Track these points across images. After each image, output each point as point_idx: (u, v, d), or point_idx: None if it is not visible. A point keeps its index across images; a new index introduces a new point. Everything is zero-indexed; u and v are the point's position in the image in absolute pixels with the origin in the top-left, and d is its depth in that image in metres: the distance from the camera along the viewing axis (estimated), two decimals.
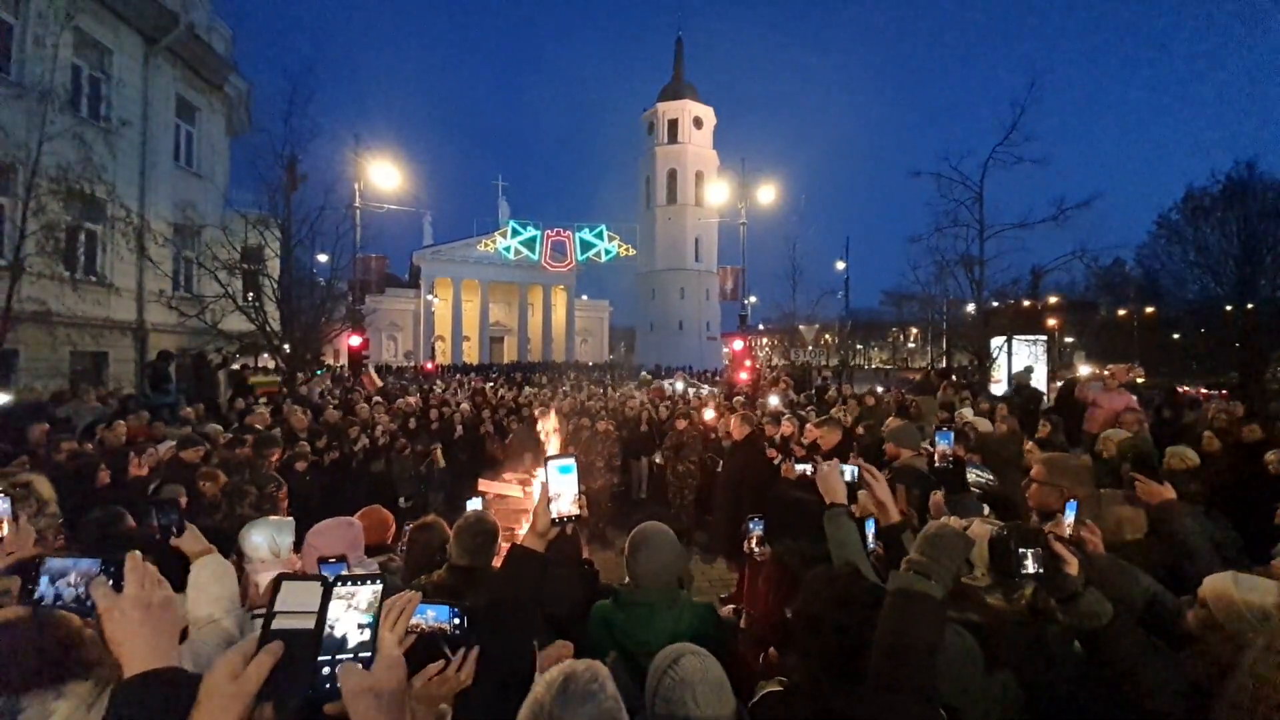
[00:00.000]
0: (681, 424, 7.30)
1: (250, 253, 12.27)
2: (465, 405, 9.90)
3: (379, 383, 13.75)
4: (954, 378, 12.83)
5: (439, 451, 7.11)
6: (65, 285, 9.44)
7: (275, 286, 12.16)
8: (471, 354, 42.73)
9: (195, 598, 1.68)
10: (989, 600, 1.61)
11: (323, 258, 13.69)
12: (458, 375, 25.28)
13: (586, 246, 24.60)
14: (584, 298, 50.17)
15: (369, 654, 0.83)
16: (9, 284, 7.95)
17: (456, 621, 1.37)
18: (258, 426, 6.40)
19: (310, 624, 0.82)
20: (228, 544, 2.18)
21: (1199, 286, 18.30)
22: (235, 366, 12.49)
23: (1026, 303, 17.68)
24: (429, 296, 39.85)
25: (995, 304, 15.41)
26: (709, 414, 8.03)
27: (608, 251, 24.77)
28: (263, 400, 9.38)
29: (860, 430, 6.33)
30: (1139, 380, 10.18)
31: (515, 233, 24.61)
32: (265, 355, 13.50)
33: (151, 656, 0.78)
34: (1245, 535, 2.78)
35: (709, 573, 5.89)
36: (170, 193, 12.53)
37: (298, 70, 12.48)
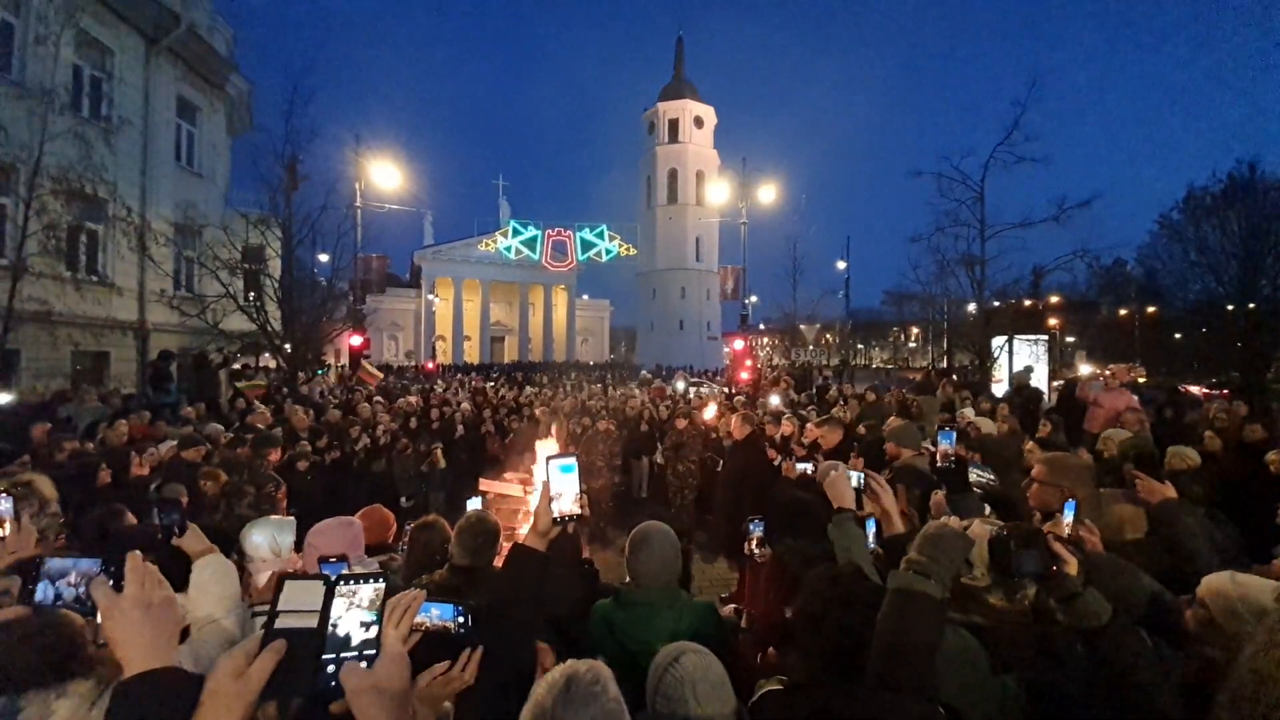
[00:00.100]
0: (682, 424, 7.31)
1: (251, 252, 12.28)
2: (466, 405, 9.92)
3: (378, 374, 13.79)
4: (954, 377, 12.82)
5: (440, 451, 7.13)
6: (67, 285, 9.46)
7: (276, 286, 12.17)
8: (472, 354, 42.77)
9: (197, 597, 1.68)
10: (991, 600, 1.61)
11: (324, 257, 13.71)
12: (458, 375, 25.31)
13: (587, 246, 24.59)
14: (585, 297, 50.20)
15: (373, 652, 0.83)
16: (11, 284, 7.97)
17: (461, 620, 1.37)
18: (259, 426, 6.41)
19: (313, 623, 0.82)
20: (227, 543, 2.18)
21: (1200, 286, 18.23)
22: (236, 366, 12.51)
23: (1028, 302, 17.64)
24: (430, 296, 39.87)
25: (996, 304, 15.37)
26: (709, 413, 8.03)
27: (608, 251, 24.75)
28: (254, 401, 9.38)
29: (861, 430, 6.33)
30: (1140, 380, 10.17)
31: (516, 232, 24.60)
32: (266, 355, 13.52)
33: (151, 656, 0.78)
34: (1246, 535, 2.77)
35: (709, 573, 5.88)
36: (171, 192, 12.53)
37: (298, 70, 12.54)
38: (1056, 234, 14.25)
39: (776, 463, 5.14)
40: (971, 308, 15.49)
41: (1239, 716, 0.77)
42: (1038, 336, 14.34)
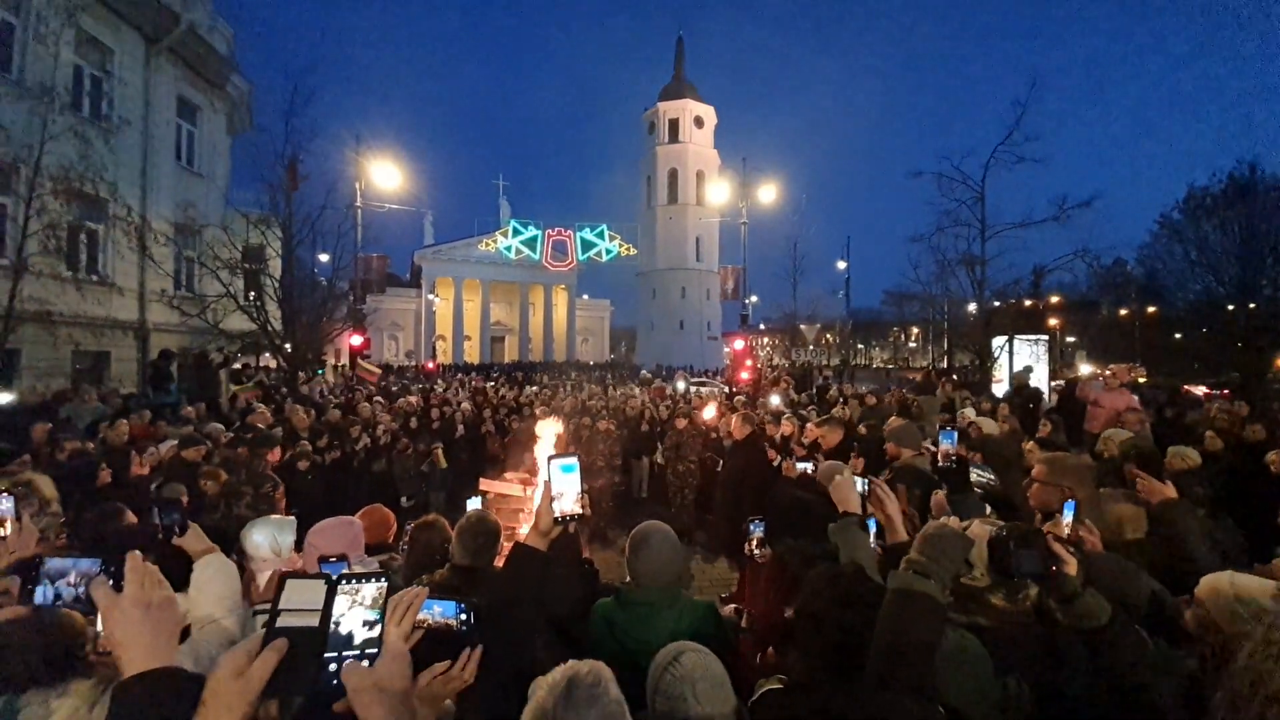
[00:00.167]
0: (681, 423, 7.30)
1: (251, 252, 12.29)
2: (466, 405, 9.92)
3: (376, 371, 13.83)
4: (954, 377, 12.82)
5: (440, 451, 7.12)
6: (67, 285, 9.45)
7: (276, 286, 12.19)
8: (472, 353, 42.77)
9: (197, 597, 1.68)
10: (994, 602, 1.61)
11: (324, 257, 13.74)
12: (459, 375, 25.31)
13: (587, 246, 24.58)
14: (585, 297, 50.19)
15: (375, 651, 0.84)
16: (11, 284, 7.97)
17: (463, 617, 1.37)
18: (259, 425, 6.41)
19: (315, 622, 0.82)
20: (227, 543, 2.18)
21: (1201, 286, 18.22)
22: (236, 366, 12.52)
23: (1028, 302, 17.65)
24: (430, 296, 39.87)
25: (997, 304, 15.39)
26: (709, 413, 8.03)
27: (609, 251, 24.74)
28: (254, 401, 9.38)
29: (862, 430, 6.33)
30: (1140, 380, 10.16)
31: (516, 232, 24.60)
32: (267, 355, 13.53)
33: (151, 656, 0.78)
34: (1247, 535, 2.77)
35: (709, 573, 5.88)
36: (172, 192, 12.54)
37: (299, 70, 12.58)
38: (1057, 234, 14.33)
39: (776, 463, 5.14)
40: (972, 308, 15.51)
41: (1237, 715, 0.77)
42: (1038, 336, 14.35)
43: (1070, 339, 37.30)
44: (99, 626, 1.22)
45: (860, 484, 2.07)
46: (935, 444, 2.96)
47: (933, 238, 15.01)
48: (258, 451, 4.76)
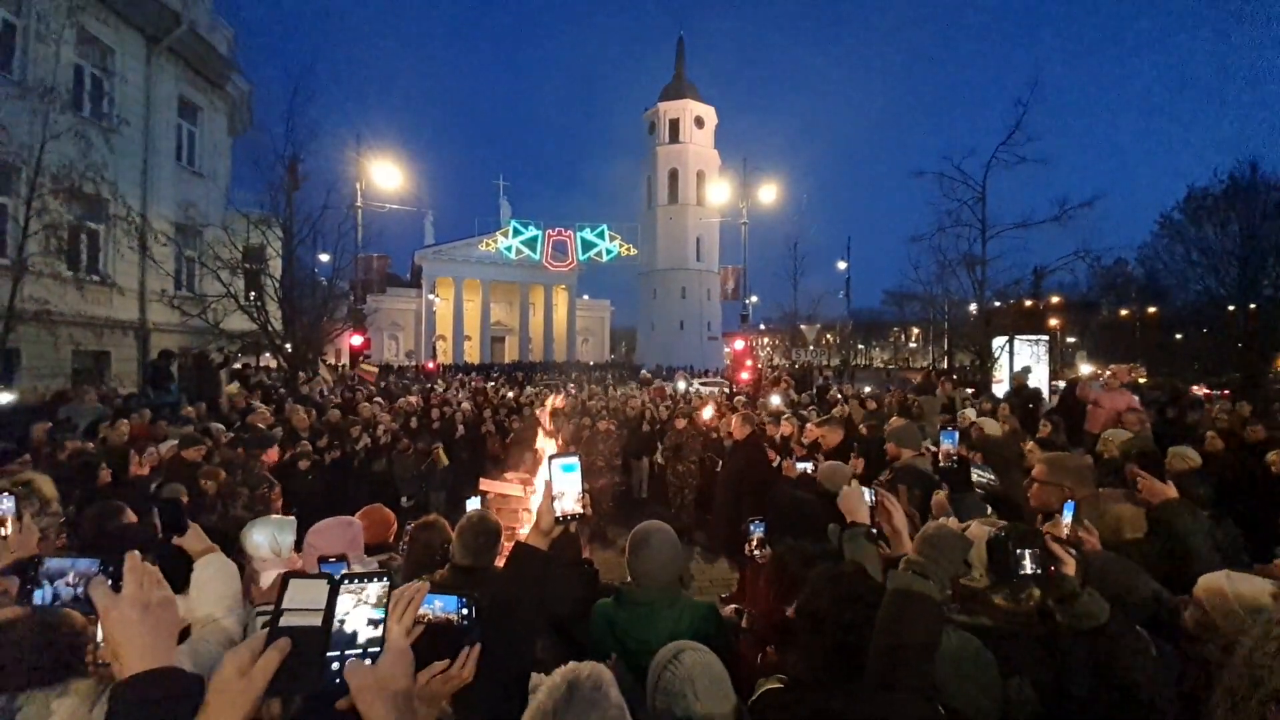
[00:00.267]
0: (681, 424, 7.30)
1: (252, 252, 12.29)
2: (466, 404, 9.92)
3: (374, 369, 13.86)
4: (954, 377, 12.82)
5: (440, 451, 7.12)
6: (67, 285, 9.44)
7: (277, 286, 12.19)
8: (473, 353, 42.77)
9: (197, 597, 1.68)
10: (997, 602, 1.61)
11: (324, 257, 13.73)
12: (459, 375, 25.31)
13: (588, 246, 24.61)
14: (585, 297, 50.17)
15: (377, 650, 0.84)
16: (11, 284, 7.97)
17: (465, 612, 1.37)
18: (259, 426, 6.41)
19: (317, 621, 0.82)
20: (226, 543, 2.18)
21: (1201, 286, 18.20)
22: (236, 366, 12.52)
23: (1028, 302, 17.65)
24: (430, 296, 39.88)
25: (997, 304, 15.39)
26: (709, 413, 8.03)
27: (609, 251, 24.77)
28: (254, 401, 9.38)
29: (863, 430, 6.33)
30: (1140, 380, 10.16)
31: (517, 232, 24.63)
32: (267, 355, 13.54)
33: (150, 657, 0.78)
34: (1248, 535, 2.77)
35: (709, 573, 5.88)
36: (172, 192, 12.54)
37: (299, 70, 12.56)
38: (1057, 234, 14.30)
39: (776, 463, 5.14)
40: (972, 308, 15.49)
41: (1235, 714, 0.77)
42: (1038, 337, 14.35)
43: (1070, 339, 37.25)
44: (99, 630, 1.21)
45: (868, 494, 2.08)
46: (936, 444, 2.96)
47: (933, 238, 15.03)
48: (253, 452, 4.76)
